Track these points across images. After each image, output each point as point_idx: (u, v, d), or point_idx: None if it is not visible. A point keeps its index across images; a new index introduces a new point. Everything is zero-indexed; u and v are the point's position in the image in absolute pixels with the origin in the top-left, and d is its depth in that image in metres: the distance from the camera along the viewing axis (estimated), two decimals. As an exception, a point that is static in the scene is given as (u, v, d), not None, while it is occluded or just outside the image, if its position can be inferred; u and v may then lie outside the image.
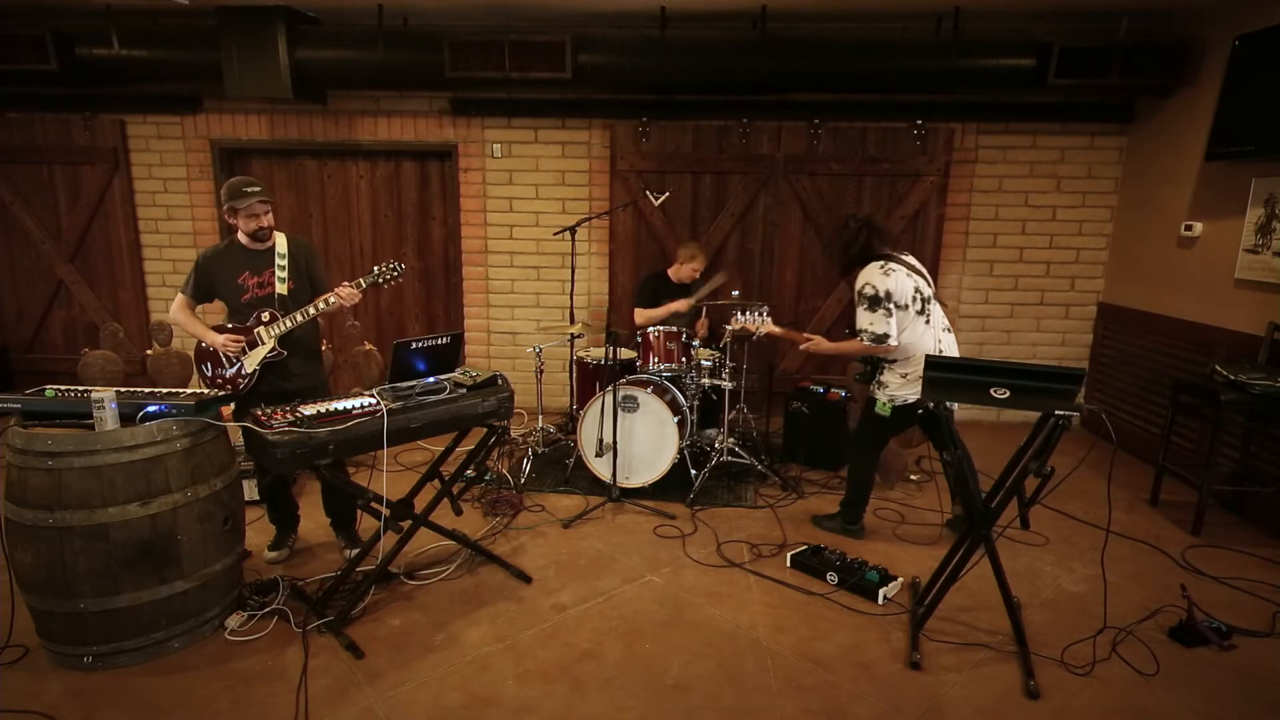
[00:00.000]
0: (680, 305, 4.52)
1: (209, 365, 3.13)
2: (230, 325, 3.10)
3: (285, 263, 3.14)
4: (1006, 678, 2.57)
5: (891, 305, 3.16)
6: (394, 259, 3.32)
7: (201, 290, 3.14)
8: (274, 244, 3.15)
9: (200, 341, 3.12)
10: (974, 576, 2.92)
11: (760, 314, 3.60)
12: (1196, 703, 2.46)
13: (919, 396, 3.21)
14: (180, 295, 3.15)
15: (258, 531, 3.58)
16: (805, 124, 5.15)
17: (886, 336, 3.17)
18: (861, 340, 3.22)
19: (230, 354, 3.08)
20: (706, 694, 2.47)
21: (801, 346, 3.47)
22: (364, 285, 3.07)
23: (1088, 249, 5.25)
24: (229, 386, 3.09)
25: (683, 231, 5.36)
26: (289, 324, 3.07)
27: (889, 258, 3.24)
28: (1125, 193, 5.10)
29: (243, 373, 3.09)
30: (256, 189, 3.03)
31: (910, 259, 3.34)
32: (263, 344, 3.09)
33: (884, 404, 3.30)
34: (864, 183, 5.26)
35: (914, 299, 3.22)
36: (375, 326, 5.87)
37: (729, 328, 3.64)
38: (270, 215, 3.09)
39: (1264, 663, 2.68)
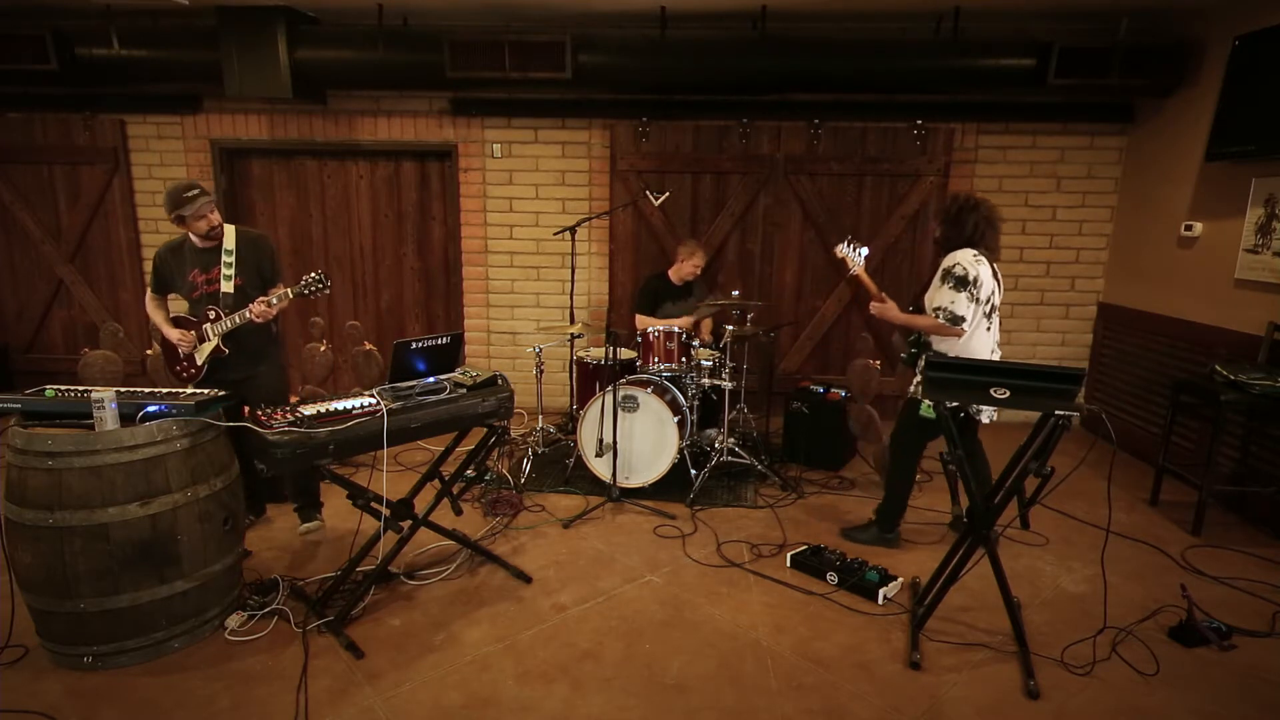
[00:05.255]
0: (683, 322, 4.49)
1: (170, 360, 3.35)
2: (189, 318, 3.30)
3: (232, 259, 3.23)
4: (1006, 678, 2.57)
5: (975, 292, 3.08)
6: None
7: (162, 285, 3.33)
8: (220, 241, 3.24)
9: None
10: (974, 576, 2.92)
11: (860, 254, 3.48)
12: (1196, 703, 2.46)
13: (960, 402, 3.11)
14: (149, 292, 3.37)
15: (257, 532, 3.59)
16: (805, 124, 5.15)
17: (963, 320, 3.07)
18: (937, 318, 3.10)
19: (182, 350, 3.28)
20: (706, 694, 2.47)
21: (872, 306, 3.38)
22: (290, 296, 3.16)
23: (1088, 249, 5.25)
24: (185, 377, 3.31)
25: (683, 231, 5.36)
26: (228, 325, 3.20)
27: (980, 252, 3.17)
28: (1125, 193, 5.10)
29: (195, 364, 3.29)
30: (196, 191, 3.12)
31: (996, 265, 3.24)
32: (209, 340, 3.25)
33: (929, 406, 3.16)
34: (864, 183, 5.26)
35: (988, 300, 3.14)
36: (375, 326, 5.87)
37: (836, 253, 3.56)
38: (217, 212, 3.20)
39: (1264, 663, 2.68)
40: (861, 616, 2.93)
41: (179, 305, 3.35)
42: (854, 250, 3.48)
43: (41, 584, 2.47)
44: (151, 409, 2.57)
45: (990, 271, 3.16)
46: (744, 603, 3.03)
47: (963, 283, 3.07)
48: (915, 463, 3.48)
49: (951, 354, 3.14)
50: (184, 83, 5.15)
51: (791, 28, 4.84)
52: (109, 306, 5.78)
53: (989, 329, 3.21)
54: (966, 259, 3.10)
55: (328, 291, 3.18)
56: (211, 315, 3.21)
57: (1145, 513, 3.96)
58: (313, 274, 3.16)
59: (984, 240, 3.17)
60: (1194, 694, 2.50)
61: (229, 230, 3.25)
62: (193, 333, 3.25)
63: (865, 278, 3.47)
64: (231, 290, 3.22)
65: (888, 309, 3.33)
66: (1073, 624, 2.89)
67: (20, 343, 5.90)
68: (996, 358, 3.28)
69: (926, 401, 3.16)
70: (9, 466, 2.47)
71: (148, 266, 5.67)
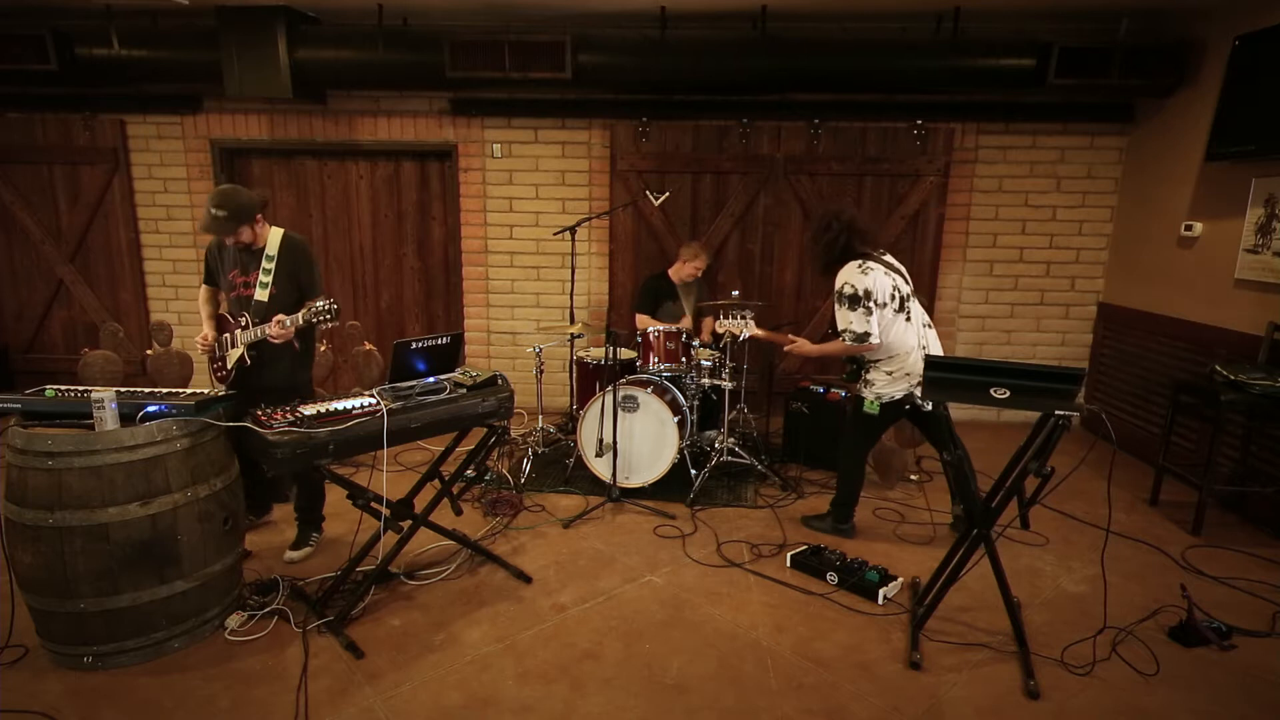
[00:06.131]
0: (685, 323, 4.50)
1: (211, 355, 3.35)
2: (227, 316, 3.27)
3: (271, 266, 3.13)
4: (1006, 678, 2.57)
5: (871, 304, 3.18)
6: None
7: (210, 277, 3.33)
8: (265, 245, 3.15)
9: None
10: (974, 576, 2.92)
11: (745, 317, 3.61)
12: (1196, 703, 2.46)
13: (905, 392, 3.26)
14: (201, 283, 3.38)
15: (258, 532, 3.59)
16: (805, 124, 5.15)
17: (868, 335, 3.19)
18: (844, 340, 3.25)
19: (204, 350, 3.28)
20: (706, 694, 2.47)
21: (785, 348, 3.51)
22: (300, 321, 2.99)
23: (1088, 249, 5.25)
24: (220, 377, 3.31)
25: (683, 231, 5.36)
26: (251, 336, 3.13)
27: (867, 256, 3.27)
28: (1125, 193, 5.10)
29: (226, 365, 3.27)
30: (211, 215, 2.97)
31: (888, 257, 3.36)
32: (236, 347, 3.20)
33: (871, 402, 3.32)
34: (864, 183, 5.26)
35: (893, 297, 3.25)
36: (375, 326, 5.87)
37: (716, 329, 3.67)
38: (246, 232, 3.07)
39: (1264, 663, 2.68)
40: (861, 616, 2.93)
41: (226, 301, 3.36)
42: (736, 318, 3.60)
43: (42, 584, 2.47)
44: (151, 409, 2.57)
45: (883, 269, 3.26)
46: (744, 603, 3.03)
47: (855, 300, 3.18)
48: (864, 457, 3.60)
49: (884, 356, 3.28)
50: (184, 83, 5.15)
51: (791, 28, 4.84)
52: (109, 306, 5.78)
53: (909, 319, 3.30)
54: (852, 275, 3.21)
55: (335, 323, 3.02)
56: (243, 322, 3.16)
57: (1145, 513, 3.96)
58: (321, 303, 2.94)
59: (855, 249, 3.27)
60: (1194, 694, 2.50)
61: (274, 234, 3.15)
62: (224, 335, 3.23)
63: (762, 334, 3.60)
64: (265, 299, 3.12)
65: (801, 347, 3.48)
66: (1073, 624, 2.89)
67: (20, 343, 5.90)
68: (931, 337, 3.42)
69: (869, 398, 3.32)
70: (9, 466, 2.47)
71: (148, 267, 5.75)
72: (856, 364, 3.41)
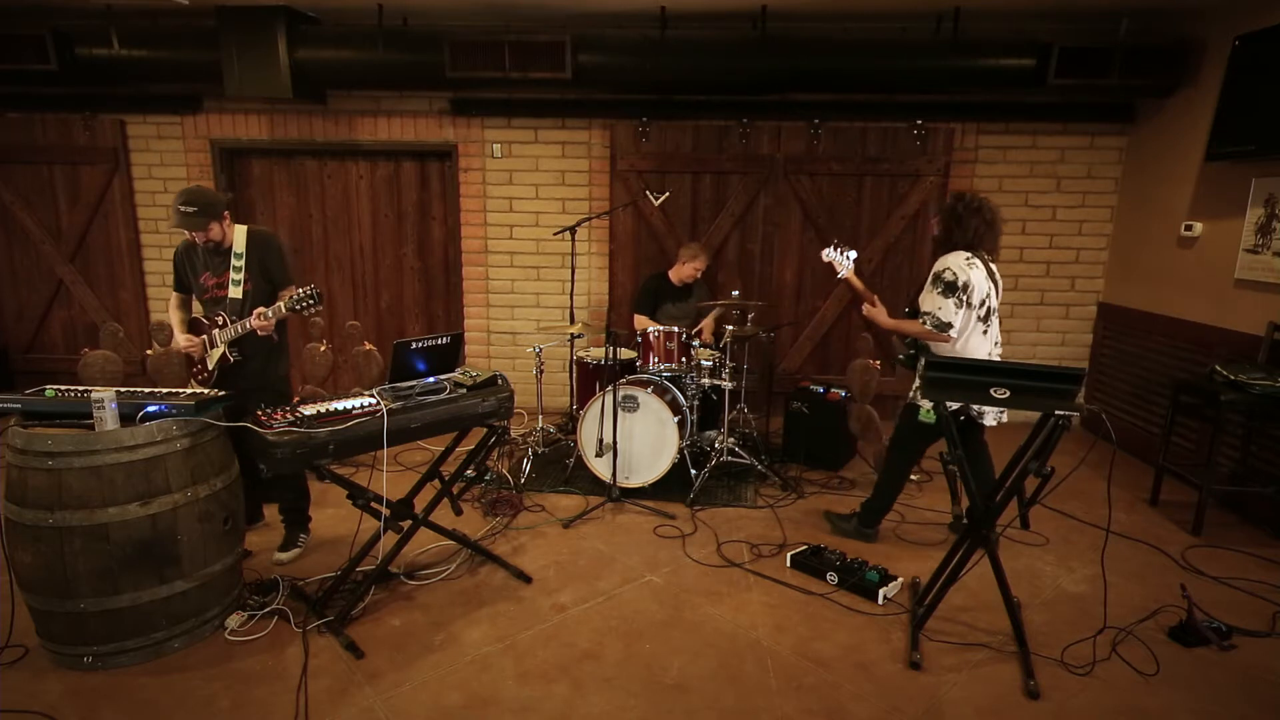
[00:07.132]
0: (684, 326, 4.49)
1: (188, 361, 3.35)
2: (202, 320, 3.27)
3: (240, 264, 3.17)
4: (1006, 678, 2.57)
5: (964, 298, 3.05)
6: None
7: (181, 283, 3.32)
8: (231, 244, 3.18)
9: None
10: (974, 576, 2.92)
11: (848, 258, 3.46)
12: (1197, 703, 2.46)
13: (961, 404, 3.10)
14: (172, 290, 3.35)
15: (258, 532, 3.59)
16: (805, 124, 5.15)
17: (950, 326, 3.05)
18: (924, 324, 3.10)
19: (190, 354, 3.27)
20: (706, 694, 2.47)
21: (864, 309, 3.39)
22: (283, 310, 3.05)
23: (1088, 249, 5.25)
24: (200, 380, 3.29)
25: (683, 231, 5.36)
26: (231, 333, 3.15)
27: (976, 254, 3.15)
28: (1125, 193, 5.10)
29: (207, 368, 3.26)
30: (181, 212, 3.01)
31: (993, 266, 3.22)
32: (216, 347, 3.21)
33: (928, 411, 3.15)
34: (864, 183, 5.26)
35: (982, 303, 3.12)
36: (375, 326, 5.87)
37: (822, 257, 3.55)
38: (216, 229, 3.10)
39: (1264, 663, 2.68)
40: (861, 616, 2.93)
41: (199, 305, 3.34)
42: (841, 254, 3.47)
43: (41, 584, 2.47)
44: (151, 409, 2.57)
45: (985, 274, 3.14)
46: (744, 603, 3.03)
47: (951, 288, 3.05)
48: (909, 466, 3.49)
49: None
50: (184, 83, 5.15)
51: (791, 28, 4.84)
52: (109, 306, 5.78)
53: (985, 332, 3.18)
54: (958, 263, 3.08)
55: (319, 308, 3.07)
56: (220, 321, 3.18)
57: (1145, 513, 3.96)
58: (302, 290, 3.02)
59: (981, 243, 3.15)
60: (1194, 694, 2.50)
61: (239, 232, 3.18)
62: (202, 338, 3.23)
63: (855, 281, 3.47)
64: (240, 296, 3.16)
65: (877, 313, 3.35)
66: (1073, 624, 2.89)
67: (20, 343, 5.90)
68: (997, 359, 3.27)
69: (925, 406, 3.15)
70: (9, 466, 2.47)
71: (148, 267, 5.75)
72: (917, 351, 3.23)
